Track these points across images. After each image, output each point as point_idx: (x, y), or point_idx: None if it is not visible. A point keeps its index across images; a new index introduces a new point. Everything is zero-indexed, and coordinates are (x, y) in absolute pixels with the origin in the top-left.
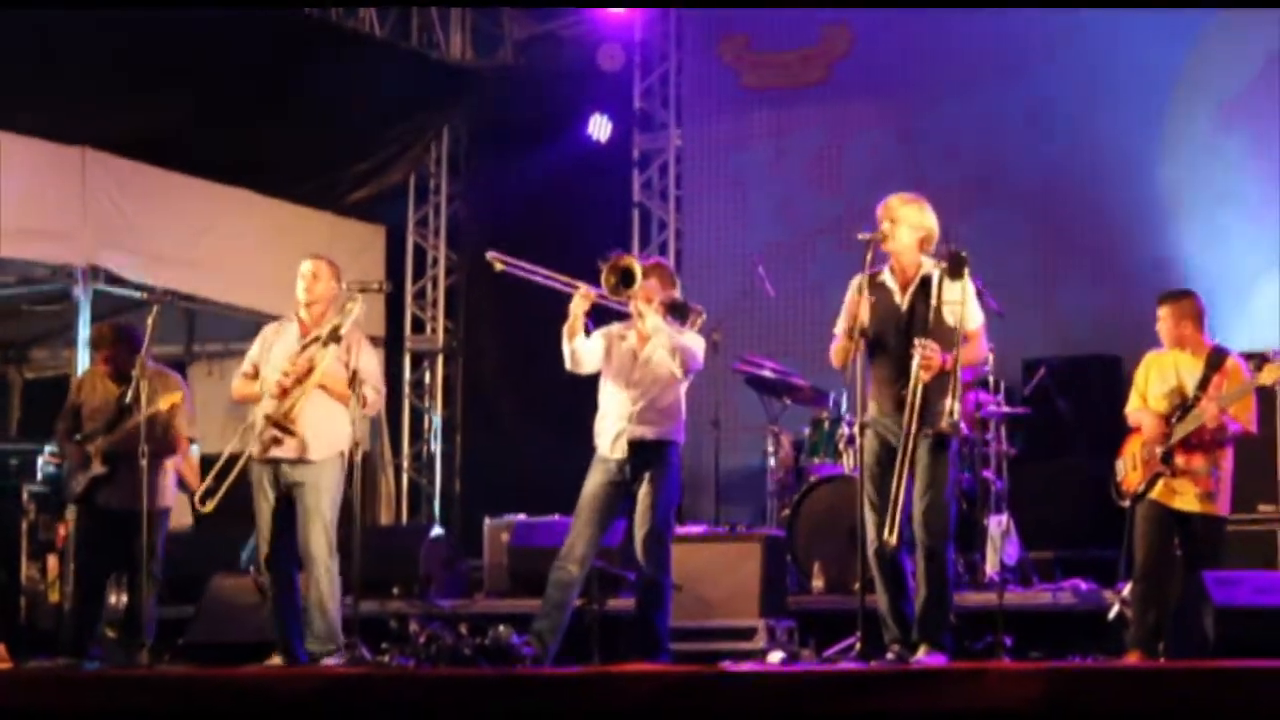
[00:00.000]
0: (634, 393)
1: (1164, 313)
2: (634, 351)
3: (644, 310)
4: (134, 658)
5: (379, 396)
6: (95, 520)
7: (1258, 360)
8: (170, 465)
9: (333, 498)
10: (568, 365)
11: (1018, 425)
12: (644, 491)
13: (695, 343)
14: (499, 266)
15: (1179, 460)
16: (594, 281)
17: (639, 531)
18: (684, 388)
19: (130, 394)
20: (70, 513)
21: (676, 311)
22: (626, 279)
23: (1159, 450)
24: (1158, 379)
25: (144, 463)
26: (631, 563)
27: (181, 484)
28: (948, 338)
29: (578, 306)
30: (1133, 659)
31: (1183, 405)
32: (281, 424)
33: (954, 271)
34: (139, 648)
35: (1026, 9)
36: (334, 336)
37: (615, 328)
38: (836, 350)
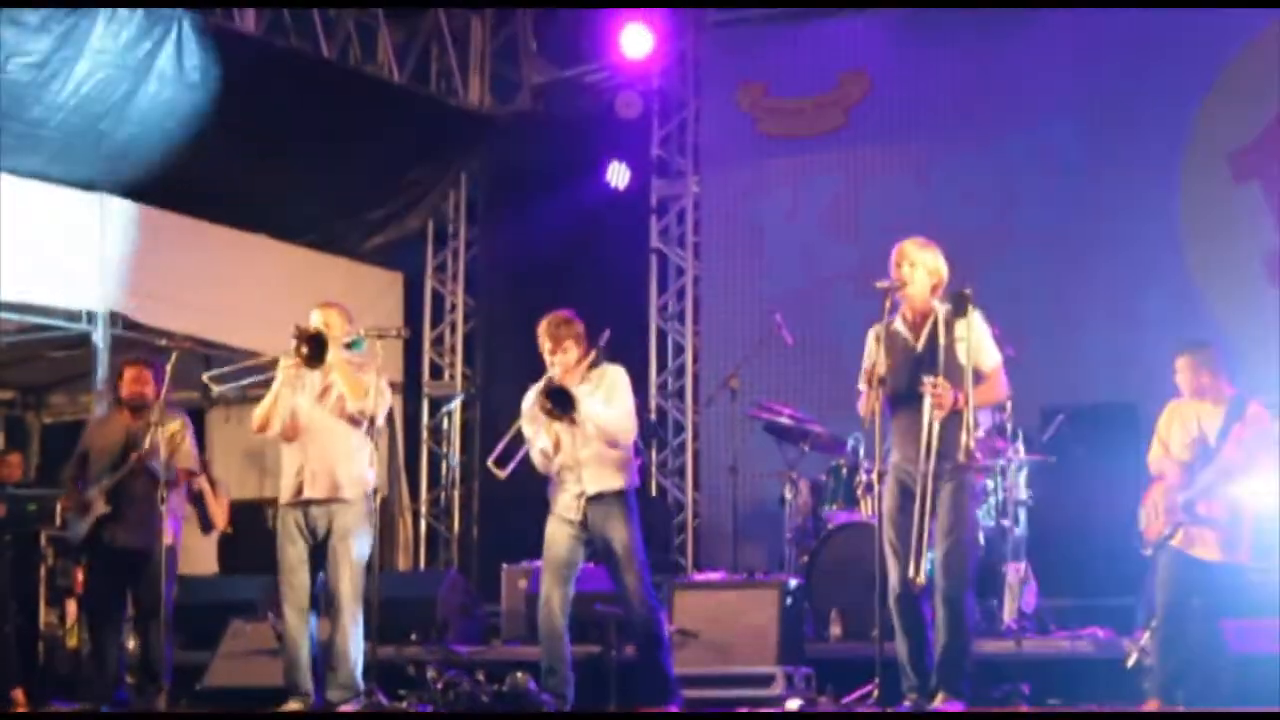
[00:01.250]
0: (581, 454)
1: (1181, 364)
2: (569, 420)
3: (577, 417)
4: (152, 702)
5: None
6: (104, 560)
7: None
8: (174, 503)
9: (362, 545)
10: (544, 471)
11: (1036, 472)
12: (614, 539)
13: (619, 400)
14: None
15: (1201, 509)
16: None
17: (622, 579)
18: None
19: (140, 431)
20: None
21: (594, 361)
22: (561, 402)
23: (1180, 499)
24: (1180, 428)
25: (158, 496)
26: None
27: (206, 524)
28: (961, 376)
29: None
30: (1151, 706)
31: (1204, 454)
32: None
33: (958, 309)
34: (156, 691)
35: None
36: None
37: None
38: (863, 405)
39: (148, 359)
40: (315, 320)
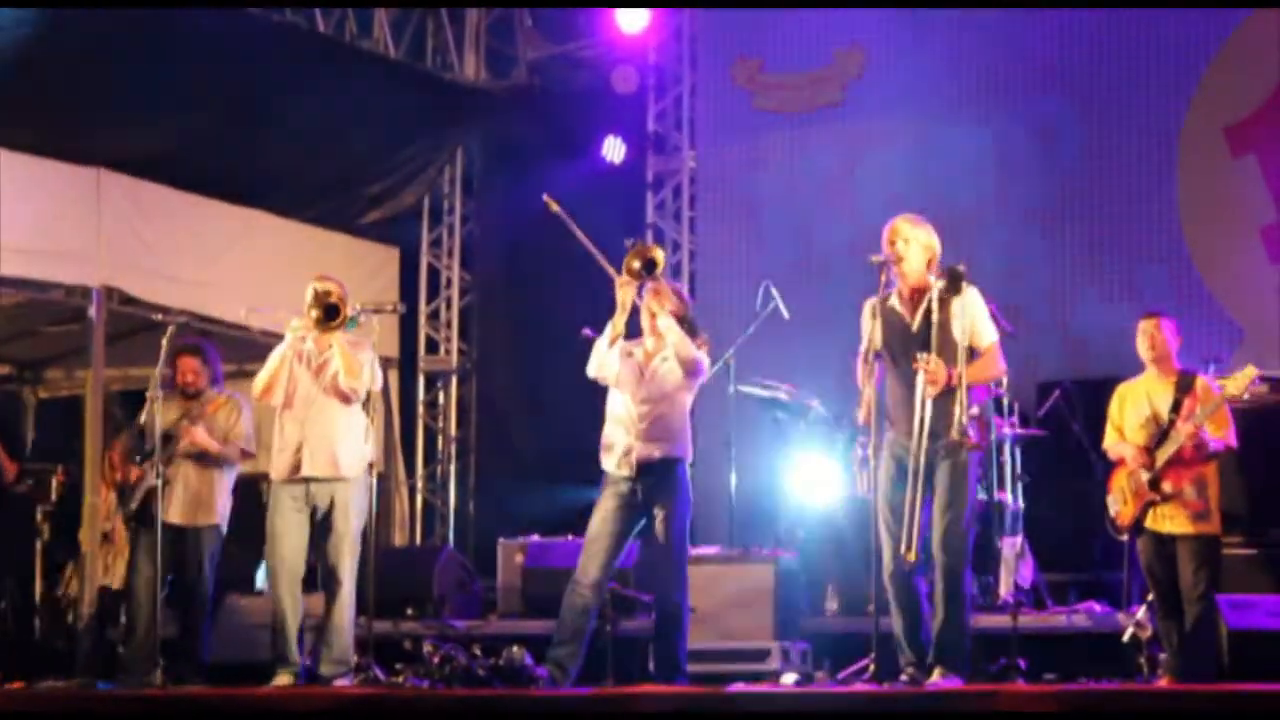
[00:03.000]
0: (642, 409)
1: (1151, 326)
2: (640, 366)
3: (656, 309)
4: (148, 678)
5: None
6: (151, 535)
7: (1224, 379)
8: (226, 482)
9: (360, 521)
10: (592, 370)
11: (1032, 447)
12: (659, 514)
13: (702, 355)
14: (554, 208)
15: (1166, 485)
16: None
17: (655, 555)
18: (690, 402)
19: (196, 411)
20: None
21: (686, 326)
22: (649, 267)
23: (1145, 478)
24: (1132, 410)
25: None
26: (644, 584)
27: None
28: (955, 353)
29: (626, 297)
30: (1163, 684)
31: (1160, 432)
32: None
33: (953, 286)
34: (193, 673)
35: (1036, 30)
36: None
37: (622, 344)
38: (859, 380)
39: (202, 347)
40: (313, 288)
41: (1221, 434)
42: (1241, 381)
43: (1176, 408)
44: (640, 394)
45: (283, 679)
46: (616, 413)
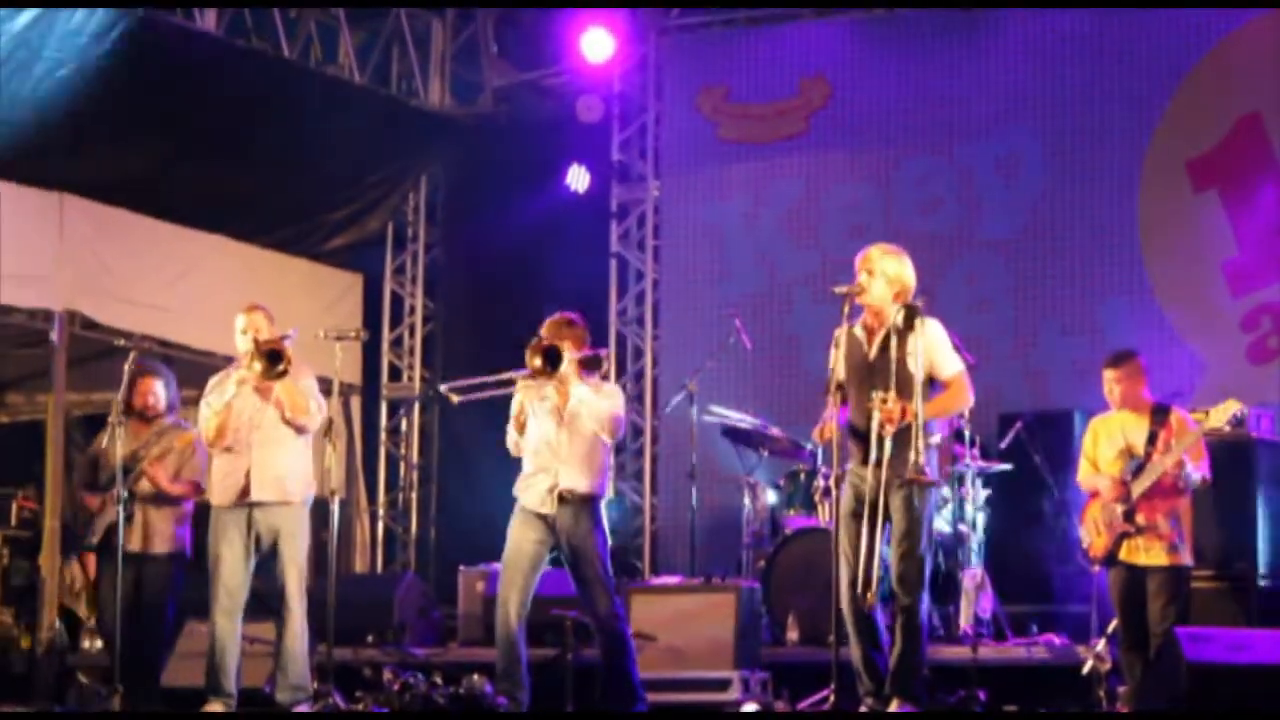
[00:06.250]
0: (563, 450)
1: (1116, 375)
2: (558, 409)
3: (571, 389)
4: (107, 701)
5: (321, 414)
6: (113, 565)
7: (1203, 412)
8: (188, 511)
9: (305, 544)
10: (514, 453)
11: (993, 479)
12: (581, 545)
13: (616, 402)
14: (455, 400)
15: (1140, 518)
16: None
17: (587, 585)
18: (609, 445)
19: (150, 440)
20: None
21: (588, 366)
22: (553, 360)
23: (1120, 510)
24: (1106, 443)
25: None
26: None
27: None
28: (913, 387)
29: (525, 398)
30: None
31: (1135, 464)
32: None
33: (907, 322)
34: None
35: (1000, 62)
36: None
37: (530, 388)
38: (826, 411)
39: (161, 372)
40: (241, 324)
41: (1198, 466)
42: (1223, 414)
43: (1152, 440)
44: (560, 438)
45: (214, 707)
46: (535, 458)
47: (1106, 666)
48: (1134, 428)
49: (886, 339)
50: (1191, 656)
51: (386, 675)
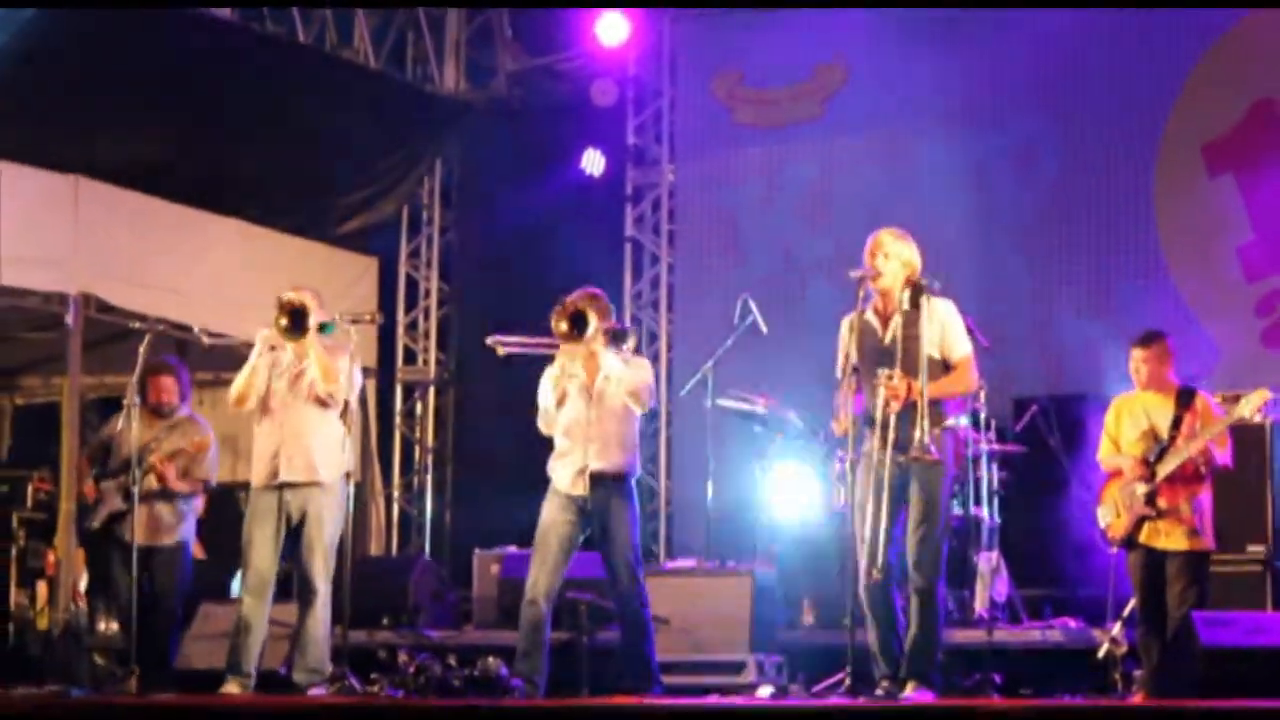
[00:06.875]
0: (592, 429)
1: (1145, 354)
2: (586, 388)
3: (599, 357)
4: (122, 682)
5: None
6: (116, 554)
7: (1231, 399)
8: (194, 505)
9: (335, 529)
10: (546, 431)
11: (1009, 462)
12: (612, 526)
13: (645, 373)
14: (501, 351)
15: (1162, 501)
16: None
17: (615, 567)
18: (639, 418)
19: (162, 435)
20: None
21: (615, 339)
22: (580, 324)
23: (1142, 491)
24: (1129, 423)
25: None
26: (605, 595)
27: None
28: (919, 367)
29: (573, 362)
30: (1137, 700)
31: (1158, 446)
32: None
33: (913, 301)
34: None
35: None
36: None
37: (559, 366)
38: (840, 395)
39: (174, 368)
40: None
41: (1222, 452)
42: (1255, 403)
43: (1177, 423)
44: (590, 417)
45: (231, 687)
46: (566, 437)
47: (1122, 650)
48: (1158, 409)
49: (898, 320)
50: (1207, 641)
51: (401, 658)
